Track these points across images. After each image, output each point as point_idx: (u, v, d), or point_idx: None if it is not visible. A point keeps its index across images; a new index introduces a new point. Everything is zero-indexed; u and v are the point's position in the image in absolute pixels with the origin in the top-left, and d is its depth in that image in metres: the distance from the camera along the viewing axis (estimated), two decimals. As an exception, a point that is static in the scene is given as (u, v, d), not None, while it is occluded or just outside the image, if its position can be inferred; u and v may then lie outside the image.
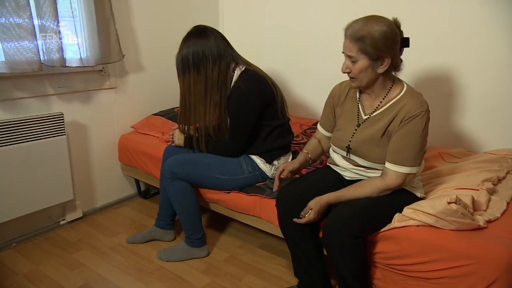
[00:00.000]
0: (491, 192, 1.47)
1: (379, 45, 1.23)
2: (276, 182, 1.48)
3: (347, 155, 1.45)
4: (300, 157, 1.55)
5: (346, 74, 1.34)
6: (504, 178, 1.61)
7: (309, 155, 1.57)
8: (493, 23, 1.81)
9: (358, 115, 1.43)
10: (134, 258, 1.84)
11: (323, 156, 1.97)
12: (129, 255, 1.87)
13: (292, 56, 2.56)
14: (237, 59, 1.72)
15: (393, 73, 1.35)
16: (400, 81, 1.37)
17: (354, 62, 1.28)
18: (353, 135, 1.41)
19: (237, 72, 1.70)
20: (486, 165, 1.66)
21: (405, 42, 1.30)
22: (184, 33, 1.69)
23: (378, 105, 1.37)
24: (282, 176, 1.48)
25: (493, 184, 1.52)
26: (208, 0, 2.76)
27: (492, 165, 1.66)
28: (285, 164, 1.52)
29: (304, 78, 2.54)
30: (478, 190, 1.42)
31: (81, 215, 2.19)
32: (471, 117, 1.97)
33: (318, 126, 1.62)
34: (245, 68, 1.71)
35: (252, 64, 1.77)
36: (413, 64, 2.02)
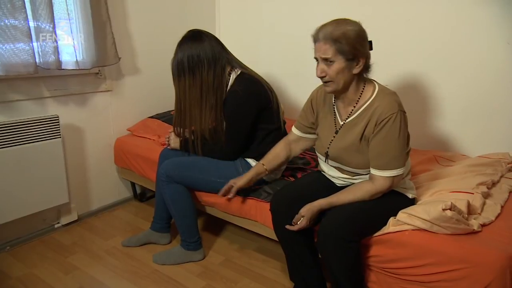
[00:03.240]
0: (486, 196, 1.48)
1: (355, 45, 1.24)
2: (221, 191, 1.63)
3: (325, 161, 1.46)
4: (251, 172, 1.61)
5: (320, 79, 1.32)
6: (498, 181, 1.62)
7: (264, 166, 1.60)
8: (486, 27, 1.83)
9: (335, 121, 1.43)
10: (130, 262, 1.84)
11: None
12: (124, 258, 1.86)
13: (288, 60, 2.57)
14: (232, 62, 1.72)
15: (364, 74, 1.35)
16: (371, 81, 1.37)
17: (330, 64, 1.26)
18: (331, 142, 1.42)
19: (232, 76, 1.70)
20: (480, 168, 1.67)
21: (369, 45, 1.31)
22: (180, 37, 1.69)
23: (352, 110, 1.37)
24: (229, 196, 1.60)
25: (487, 187, 1.53)
26: (205, 4, 2.76)
27: (487, 168, 1.67)
28: (234, 180, 1.61)
29: (300, 82, 2.54)
30: (473, 193, 1.43)
31: (76, 218, 2.18)
32: (463, 120, 1.98)
33: (293, 128, 1.61)
34: (240, 72, 1.72)
35: (248, 68, 1.77)
36: (406, 66, 2.04)
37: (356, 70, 1.28)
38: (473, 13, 1.85)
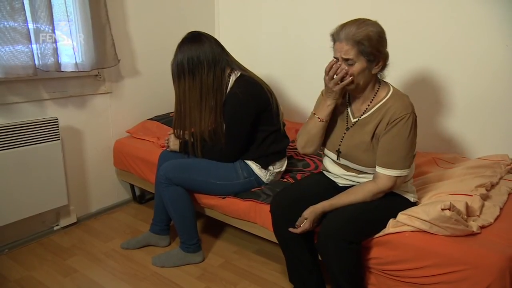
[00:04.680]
0: (485, 197, 1.48)
1: (377, 46, 1.25)
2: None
3: (337, 159, 1.45)
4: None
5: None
6: (497, 183, 1.62)
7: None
8: (485, 29, 1.83)
9: (347, 118, 1.44)
10: (129, 264, 1.83)
11: (317, 160, 1.99)
12: (123, 260, 1.86)
13: (287, 61, 2.58)
14: (232, 64, 1.72)
15: (379, 75, 1.37)
16: (386, 83, 1.39)
17: (351, 65, 1.27)
18: (342, 139, 1.42)
19: (232, 78, 1.71)
20: (479, 170, 1.67)
21: None
22: (180, 39, 1.69)
23: (366, 108, 1.38)
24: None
25: (486, 189, 1.53)
26: (204, 6, 2.77)
27: (486, 170, 1.68)
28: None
29: (300, 83, 2.55)
30: (472, 195, 1.43)
31: (75, 221, 2.17)
32: (462, 122, 1.99)
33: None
34: (240, 74, 1.72)
35: (248, 70, 1.77)
36: (406, 68, 2.05)
37: (375, 70, 1.30)
38: (473, 14, 1.86)
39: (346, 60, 1.27)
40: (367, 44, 1.24)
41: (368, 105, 1.38)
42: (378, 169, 1.32)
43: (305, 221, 1.34)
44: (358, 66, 1.27)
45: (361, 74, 1.29)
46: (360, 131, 1.38)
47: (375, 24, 1.28)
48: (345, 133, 1.42)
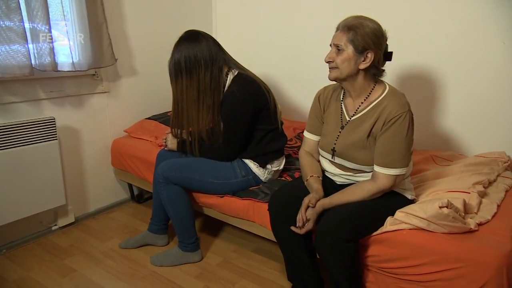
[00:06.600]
0: (482, 195, 1.48)
1: (367, 39, 1.27)
2: (301, 218, 1.35)
3: (332, 158, 1.45)
4: (318, 184, 1.41)
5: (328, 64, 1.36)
6: (494, 181, 1.63)
7: (319, 177, 1.46)
8: (482, 26, 1.84)
9: (341, 117, 1.44)
10: (127, 263, 1.83)
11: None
12: (121, 260, 1.86)
13: (285, 60, 2.57)
14: (229, 63, 1.72)
15: (376, 75, 1.37)
16: (382, 82, 1.39)
17: (339, 51, 1.31)
18: (337, 138, 1.42)
19: (230, 77, 1.70)
20: (477, 168, 1.68)
21: (388, 56, 1.34)
22: (177, 38, 1.69)
23: (359, 106, 1.38)
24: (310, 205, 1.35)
25: (484, 187, 1.53)
26: (202, 5, 2.76)
27: (483, 168, 1.68)
28: (310, 196, 1.36)
29: (297, 82, 2.55)
30: (469, 193, 1.43)
31: (73, 220, 2.17)
32: (459, 119, 1.99)
33: (306, 134, 1.57)
34: (238, 73, 1.72)
35: (245, 68, 1.77)
36: (403, 66, 2.05)
37: (362, 66, 1.30)
38: (469, 12, 1.86)
39: (337, 46, 1.31)
40: (358, 32, 1.27)
41: (362, 103, 1.38)
42: (377, 168, 1.32)
43: (308, 222, 1.34)
44: (344, 54, 1.30)
45: (346, 63, 1.30)
46: (356, 130, 1.38)
47: (375, 22, 1.30)
48: (340, 132, 1.42)
